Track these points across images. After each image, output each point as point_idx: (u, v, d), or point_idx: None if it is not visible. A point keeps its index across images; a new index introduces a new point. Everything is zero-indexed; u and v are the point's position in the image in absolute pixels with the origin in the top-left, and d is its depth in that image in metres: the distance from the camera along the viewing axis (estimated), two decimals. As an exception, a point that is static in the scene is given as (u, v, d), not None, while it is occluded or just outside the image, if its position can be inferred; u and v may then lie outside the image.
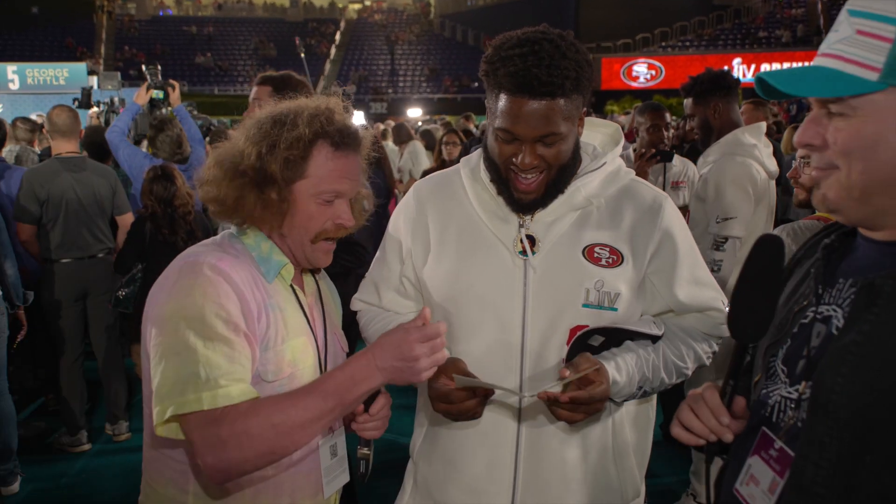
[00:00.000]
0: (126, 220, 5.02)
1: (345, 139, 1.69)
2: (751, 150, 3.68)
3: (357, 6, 45.75)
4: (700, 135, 3.88)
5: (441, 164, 6.91)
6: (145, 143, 5.81)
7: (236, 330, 1.56)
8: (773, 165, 3.77)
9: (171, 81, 6.28)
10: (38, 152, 7.02)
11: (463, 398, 1.75)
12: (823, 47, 1.22)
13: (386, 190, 7.21)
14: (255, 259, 1.70)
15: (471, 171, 1.95)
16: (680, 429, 1.41)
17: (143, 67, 6.50)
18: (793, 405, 1.28)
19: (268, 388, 1.62)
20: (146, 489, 1.77)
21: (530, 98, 1.69)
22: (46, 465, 4.75)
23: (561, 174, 1.81)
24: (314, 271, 1.90)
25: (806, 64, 1.27)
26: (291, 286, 1.77)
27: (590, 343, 1.79)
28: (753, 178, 3.63)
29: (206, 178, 1.72)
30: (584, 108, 1.82)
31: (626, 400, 1.85)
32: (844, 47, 1.17)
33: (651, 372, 1.84)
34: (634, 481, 1.96)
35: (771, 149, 3.84)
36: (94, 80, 6.14)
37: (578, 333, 1.79)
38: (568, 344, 1.81)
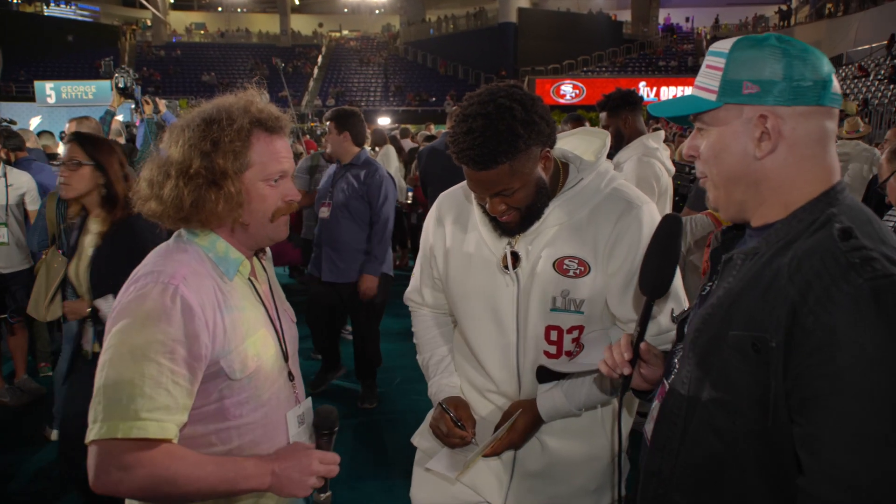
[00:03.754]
0: None
1: (276, 123, 1.53)
2: (654, 152, 3.74)
3: (336, 35, 45.11)
4: (613, 141, 3.91)
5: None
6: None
7: (172, 356, 1.35)
8: (671, 165, 3.85)
9: (146, 98, 5.77)
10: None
11: (453, 427, 1.87)
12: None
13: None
14: (213, 259, 1.50)
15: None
16: (602, 363, 1.48)
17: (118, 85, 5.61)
18: (678, 359, 1.36)
19: (237, 385, 1.47)
20: None
21: (475, 169, 1.63)
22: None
23: (531, 209, 1.73)
24: (260, 256, 1.68)
25: (689, 89, 1.35)
26: (249, 279, 1.58)
27: (549, 368, 1.78)
28: (657, 175, 3.69)
29: (147, 194, 1.47)
30: (545, 150, 1.68)
31: (583, 409, 1.85)
32: (700, 78, 1.26)
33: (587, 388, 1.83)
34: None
35: (669, 152, 3.92)
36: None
37: (538, 367, 1.80)
38: (546, 338, 1.82)
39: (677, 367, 1.35)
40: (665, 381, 1.41)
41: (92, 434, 1.33)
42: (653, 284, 1.42)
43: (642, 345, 1.44)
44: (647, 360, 1.47)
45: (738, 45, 1.20)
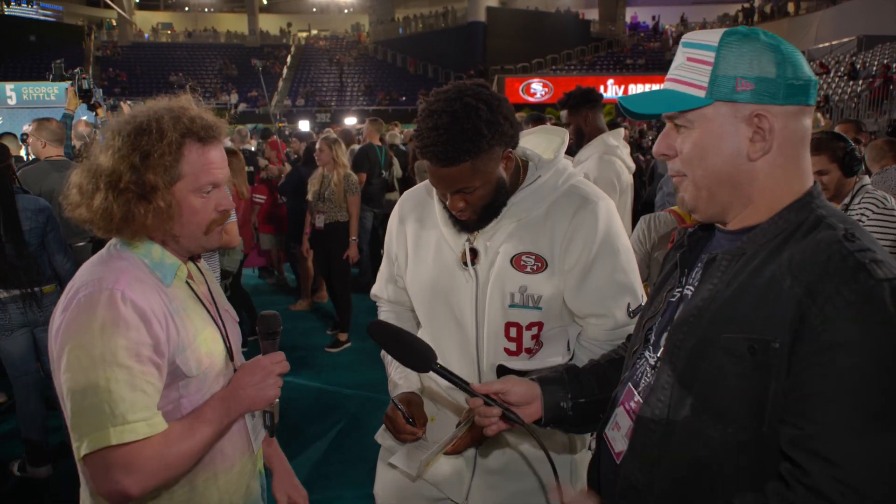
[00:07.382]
0: None
1: (209, 132, 1.47)
2: (615, 150, 3.76)
3: (305, 34, 44.68)
4: (574, 139, 3.93)
5: None
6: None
7: (139, 358, 1.35)
8: (631, 162, 3.87)
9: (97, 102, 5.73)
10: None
11: (404, 424, 1.84)
12: (668, 74, 1.22)
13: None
14: (150, 266, 1.47)
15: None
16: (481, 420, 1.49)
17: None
18: (650, 368, 1.30)
19: (194, 381, 1.48)
20: (96, 499, 1.50)
21: (438, 166, 1.62)
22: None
23: (488, 208, 1.73)
24: (194, 258, 1.65)
25: (658, 86, 1.26)
26: (187, 282, 1.56)
27: (509, 367, 1.78)
28: (618, 172, 3.70)
29: (77, 201, 1.44)
30: (507, 150, 1.68)
31: None
32: (680, 72, 1.18)
33: None
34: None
35: (629, 149, 3.94)
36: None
37: (498, 366, 1.80)
38: (506, 335, 1.83)
39: (650, 374, 1.29)
40: (629, 386, 1.35)
41: (83, 449, 1.31)
42: (416, 364, 1.51)
43: (479, 388, 1.45)
44: (501, 393, 1.46)
45: (729, 38, 1.12)
